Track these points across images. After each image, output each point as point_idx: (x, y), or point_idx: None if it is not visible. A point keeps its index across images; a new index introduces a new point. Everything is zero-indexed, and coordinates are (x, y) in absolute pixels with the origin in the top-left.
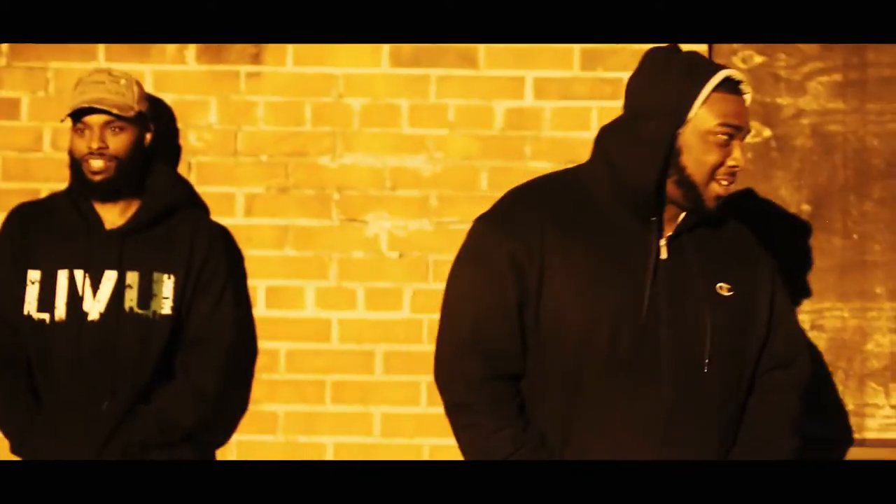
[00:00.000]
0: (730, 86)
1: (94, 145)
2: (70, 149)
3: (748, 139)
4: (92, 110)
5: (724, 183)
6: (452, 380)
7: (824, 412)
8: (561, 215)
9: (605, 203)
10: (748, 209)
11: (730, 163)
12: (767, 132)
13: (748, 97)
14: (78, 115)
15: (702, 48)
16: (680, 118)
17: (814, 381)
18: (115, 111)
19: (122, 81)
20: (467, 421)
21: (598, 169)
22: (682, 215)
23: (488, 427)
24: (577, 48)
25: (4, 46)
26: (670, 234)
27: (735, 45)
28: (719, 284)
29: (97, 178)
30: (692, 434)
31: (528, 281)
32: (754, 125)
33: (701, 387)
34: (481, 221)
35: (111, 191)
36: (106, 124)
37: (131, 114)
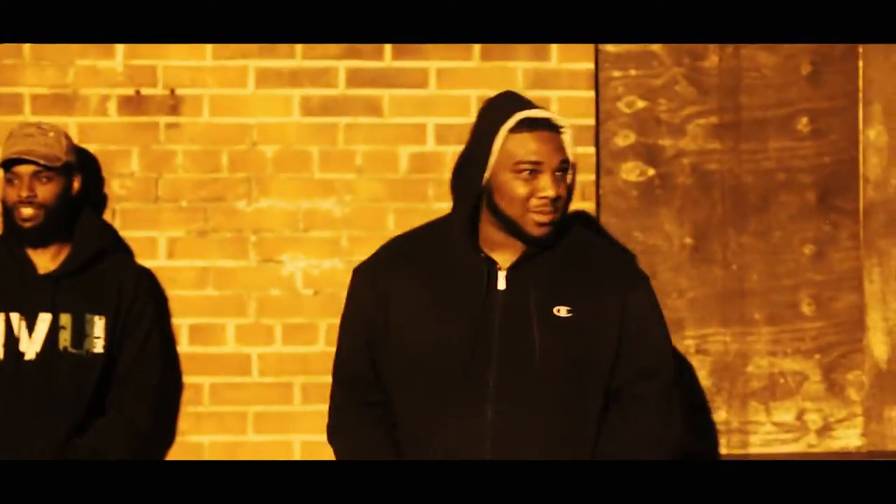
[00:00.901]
0: (530, 124)
1: (24, 194)
2: (2, 198)
3: (633, 178)
4: (21, 161)
5: (541, 212)
6: (330, 407)
7: (710, 430)
8: (411, 258)
9: (455, 242)
10: (636, 242)
11: (539, 194)
12: (651, 171)
13: (564, 130)
14: (8, 166)
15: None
16: (483, 164)
17: (699, 401)
18: (42, 162)
19: (51, 134)
20: (336, 448)
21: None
22: (524, 247)
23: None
24: (473, 95)
25: None
26: (510, 265)
27: (619, 90)
28: (556, 308)
29: (27, 224)
30: (520, 452)
31: (376, 318)
32: (638, 165)
33: (530, 405)
34: (354, 270)
35: (41, 237)
36: (34, 174)
37: (58, 164)
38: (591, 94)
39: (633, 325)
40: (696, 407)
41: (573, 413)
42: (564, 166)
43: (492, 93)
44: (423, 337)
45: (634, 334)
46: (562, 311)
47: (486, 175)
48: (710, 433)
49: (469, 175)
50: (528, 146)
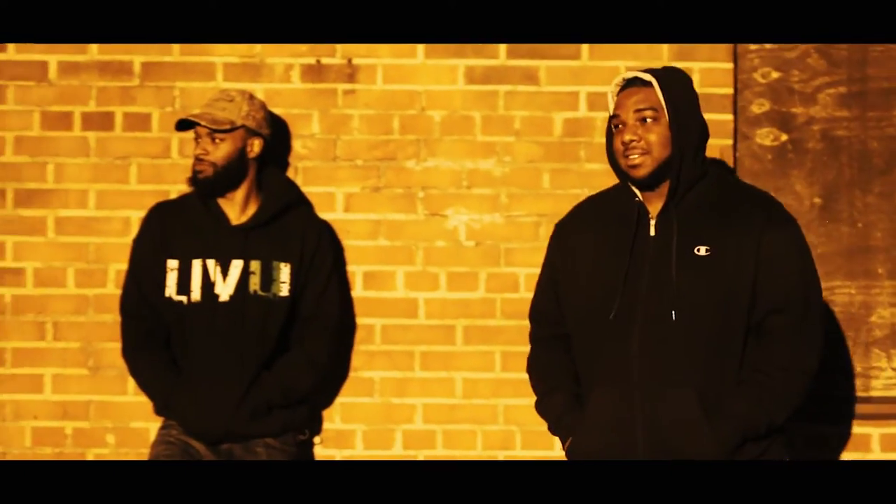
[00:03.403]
0: (624, 86)
1: (197, 152)
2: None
3: (767, 142)
4: (195, 123)
5: (628, 158)
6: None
7: (835, 374)
8: (591, 213)
9: (621, 196)
10: None
11: (622, 140)
12: (784, 137)
13: (652, 85)
14: (192, 126)
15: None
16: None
17: (827, 348)
18: (210, 126)
19: (235, 100)
20: (532, 383)
21: None
22: (666, 196)
23: (538, 391)
24: (622, 66)
25: (137, 68)
26: (658, 211)
27: (755, 62)
28: (697, 247)
29: (198, 177)
30: (661, 376)
31: (560, 266)
32: (772, 131)
33: (669, 337)
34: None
35: (210, 190)
36: (207, 135)
37: (226, 127)
38: (730, 65)
39: (769, 263)
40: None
41: (713, 347)
42: (645, 114)
43: (638, 64)
44: (587, 280)
45: (769, 271)
46: (701, 251)
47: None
48: (835, 378)
49: (609, 141)
50: (615, 103)
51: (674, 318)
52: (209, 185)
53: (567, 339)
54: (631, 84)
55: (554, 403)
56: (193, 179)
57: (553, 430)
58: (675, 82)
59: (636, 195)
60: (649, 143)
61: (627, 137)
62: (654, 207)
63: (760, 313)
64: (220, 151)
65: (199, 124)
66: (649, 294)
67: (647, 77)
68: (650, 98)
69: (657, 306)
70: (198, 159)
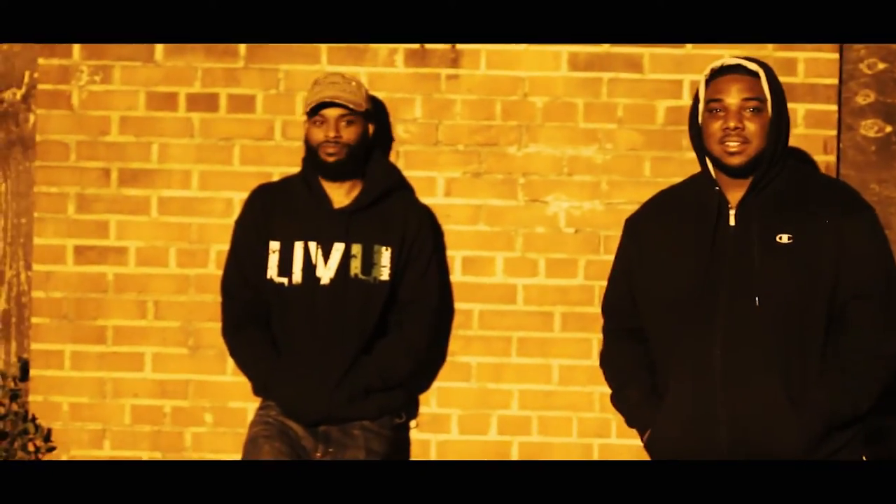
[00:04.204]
0: (723, 71)
1: (332, 134)
2: (307, 138)
3: (871, 133)
4: (330, 105)
5: (726, 144)
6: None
7: None
8: (667, 205)
9: (699, 187)
10: (872, 194)
11: (724, 125)
12: (889, 128)
13: (758, 74)
14: (316, 109)
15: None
16: (696, 105)
17: None
18: (350, 106)
19: (353, 83)
20: (603, 371)
21: None
22: (748, 185)
23: (613, 385)
24: (726, 54)
25: (242, 50)
26: (737, 202)
27: (862, 53)
28: (779, 235)
29: (331, 159)
30: (746, 365)
31: (633, 259)
32: (877, 122)
33: (754, 326)
34: (626, 220)
35: (341, 173)
36: (340, 117)
37: (361, 109)
38: (836, 55)
39: (849, 249)
40: None
41: (797, 335)
42: (752, 103)
43: (742, 52)
44: (665, 271)
45: (851, 258)
46: (783, 239)
47: (700, 121)
48: None
49: (692, 126)
50: (716, 87)
51: (757, 304)
52: (341, 167)
53: (639, 331)
54: (733, 71)
55: (630, 396)
56: (319, 163)
57: (630, 422)
58: (775, 76)
59: (716, 184)
60: (751, 133)
61: (732, 124)
62: (734, 197)
63: (842, 300)
64: (352, 134)
65: (336, 105)
66: (732, 283)
67: (754, 67)
68: (756, 88)
69: (740, 296)
70: (332, 142)
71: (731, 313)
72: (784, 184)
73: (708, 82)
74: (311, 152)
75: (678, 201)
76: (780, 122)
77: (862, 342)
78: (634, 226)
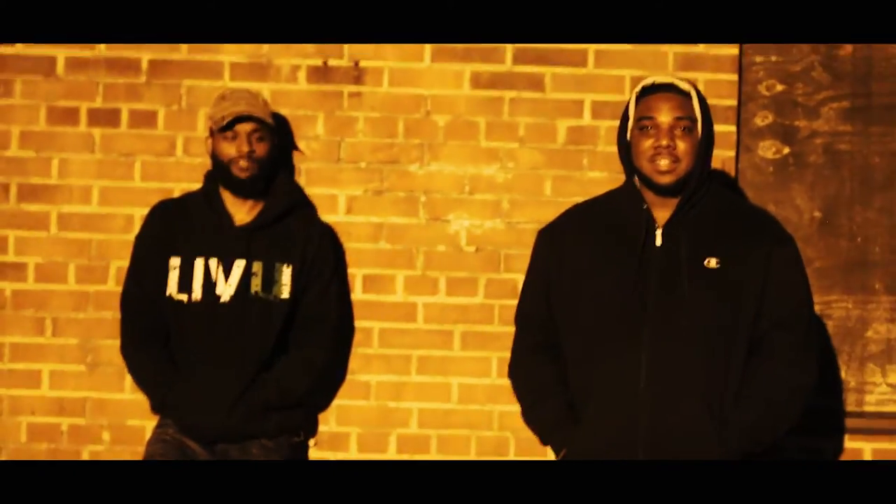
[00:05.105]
0: (655, 89)
1: (245, 149)
2: (215, 153)
3: (769, 155)
4: (240, 120)
5: (657, 162)
6: (512, 348)
7: (830, 388)
8: (586, 219)
9: (622, 204)
10: None
11: (655, 143)
12: (786, 150)
13: (690, 94)
14: (231, 125)
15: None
16: (625, 122)
17: (822, 362)
18: (265, 120)
19: (261, 99)
20: (514, 383)
21: None
22: (676, 205)
23: (526, 401)
24: (628, 75)
25: (144, 65)
26: (665, 222)
27: (760, 74)
28: (707, 259)
29: (244, 174)
30: (671, 387)
31: (551, 271)
32: (775, 143)
33: (679, 348)
34: (538, 231)
35: (251, 188)
36: (252, 132)
37: (272, 124)
38: (735, 77)
39: (774, 278)
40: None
41: (721, 360)
42: (684, 123)
43: (644, 73)
44: (588, 287)
45: (775, 287)
46: (711, 263)
47: (628, 137)
48: (830, 391)
49: (621, 142)
50: (647, 105)
51: (686, 329)
52: (252, 183)
53: (556, 347)
54: (665, 89)
55: (546, 413)
56: (231, 179)
57: (545, 440)
58: (704, 97)
59: (644, 202)
60: (682, 152)
61: (665, 142)
62: (661, 216)
63: (763, 328)
64: (263, 149)
65: (250, 119)
66: (658, 304)
67: (686, 86)
68: (687, 107)
69: (667, 317)
70: (245, 157)
71: (657, 335)
72: (710, 206)
73: (639, 99)
74: (222, 168)
75: (602, 216)
76: (707, 143)
77: (784, 374)
78: (553, 236)
